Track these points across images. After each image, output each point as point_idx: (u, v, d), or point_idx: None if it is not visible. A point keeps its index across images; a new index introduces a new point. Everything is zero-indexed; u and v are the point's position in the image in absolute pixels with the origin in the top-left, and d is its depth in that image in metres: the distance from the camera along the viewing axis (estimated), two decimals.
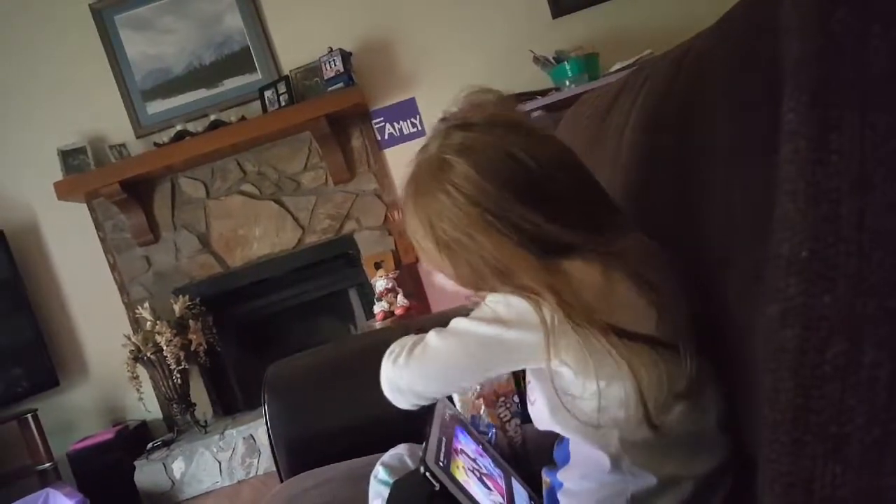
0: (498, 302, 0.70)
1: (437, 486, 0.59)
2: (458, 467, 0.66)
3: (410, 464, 0.92)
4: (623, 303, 0.67)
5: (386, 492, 0.86)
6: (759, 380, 0.48)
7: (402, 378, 0.77)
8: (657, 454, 0.67)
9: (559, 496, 0.72)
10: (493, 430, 0.90)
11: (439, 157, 0.76)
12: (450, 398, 0.86)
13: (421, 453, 0.66)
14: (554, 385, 0.67)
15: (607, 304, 0.66)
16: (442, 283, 0.81)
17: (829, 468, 0.41)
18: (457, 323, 0.73)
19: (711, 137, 0.67)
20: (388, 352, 0.81)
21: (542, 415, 0.72)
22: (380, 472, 0.93)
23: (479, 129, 0.76)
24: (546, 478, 0.76)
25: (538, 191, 0.71)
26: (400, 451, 0.97)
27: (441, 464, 0.62)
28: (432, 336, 0.74)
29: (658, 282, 0.68)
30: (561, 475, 0.73)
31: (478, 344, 0.70)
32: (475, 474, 0.68)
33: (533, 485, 0.79)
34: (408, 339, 0.79)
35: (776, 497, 0.44)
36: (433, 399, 0.78)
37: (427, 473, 0.60)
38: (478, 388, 0.92)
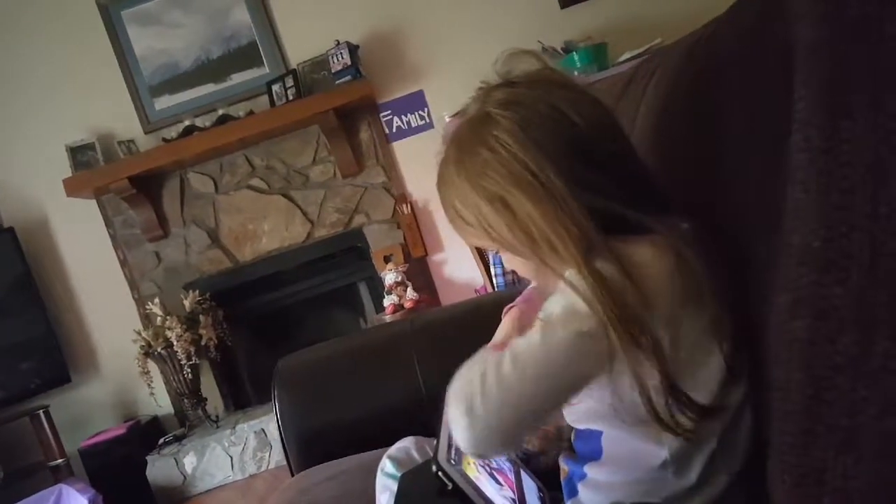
0: (556, 303, 0.64)
1: (450, 486, 0.59)
2: (468, 463, 0.65)
3: (417, 457, 0.92)
4: (688, 297, 0.63)
5: (393, 485, 0.86)
6: (771, 370, 0.47)
7: (489, 427, 0.61)
8: (705, 450, 0.66)
9: (580, 486, 0.72)
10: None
11: (482, 112, 0.71)
12: None
13: (433, 451, 0.66)
14: (617, 388, 0.62)
15: (670, 297, 0.62)
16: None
17: (840, 459, 0.41)
18: (519, 345, 0.63)
19: (723, 127, 0.66)
20: (453, 407, 0.63)
21: (586, 414, 0.70)
22: (387, 465, 0.92)
23: (523, 86, 0.71)
24: (564, 466, 0.76)
25: (586, 155, 0.66)
26: (406, 444, 0.96)
27: (453, 461, 0.62)
28: (503, 367, 0.62)
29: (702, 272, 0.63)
30: (589, 468, 0.71)
31: (563, 350, 0.61)
32: (486, 469, 0.67)
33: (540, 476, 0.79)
34: (468, 386, 0.63)
35: (788, 488, 0.44)
36: (527, 434, 0.71)
37: (440, 472, 0.59)
38: None
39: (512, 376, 0.61)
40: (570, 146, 0.66)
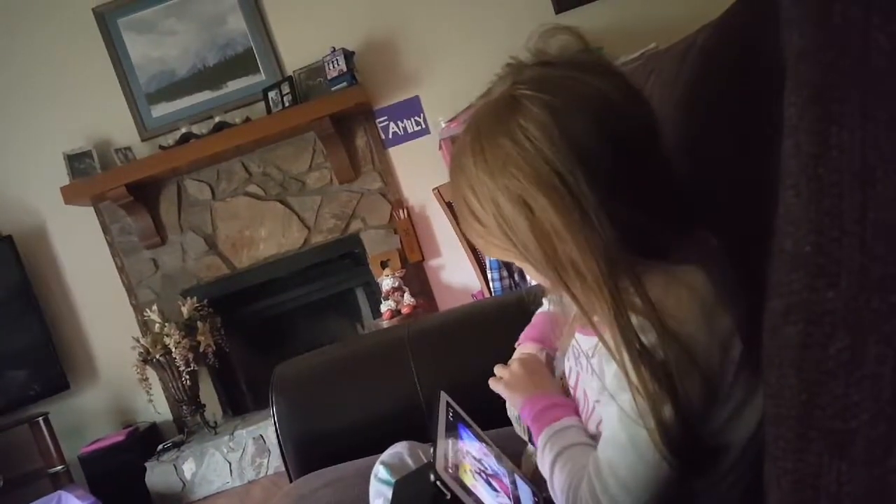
0: (620, 386, 0.58)
1: (449, 496, 0.59)
2: (465, 471, 0.65)
3: (410, 462, 0.90)
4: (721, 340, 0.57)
5: (387, 491, 0.85)
6: (764, 376, 0.47)
7: None
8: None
9: None
10: None
11: (509, 94, 0.60)
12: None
13: (428, 458, 0.66)
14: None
15: (707, 355, 0.56)
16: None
17: (835, 464, 0.41)
18: (609, 454, 0.60)
19: (715, 132, 0.66)
20: None
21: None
22: (380, 471, 0.90)
23: (560, 67, 0.61)
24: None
25: (628, 158, 0.57)
26: (399, 449, 0.94)
27: (450, 470, 0.62)
28: (610, 489, 0.59)
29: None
30: None
31: (652, 446, 0.57)
32: (482, 476, 0.67)
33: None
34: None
35: (783, 494, 0.44)
36: None
37: (438, 482, 0.59)
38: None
39: (622, 496, 0.59)
40: (610, 146, 0.57)
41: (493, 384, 0.82)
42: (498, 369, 0.83)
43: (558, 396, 0.75)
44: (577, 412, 0.72)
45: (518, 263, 0.68)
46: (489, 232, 0.64)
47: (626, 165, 0.57)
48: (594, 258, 0.56)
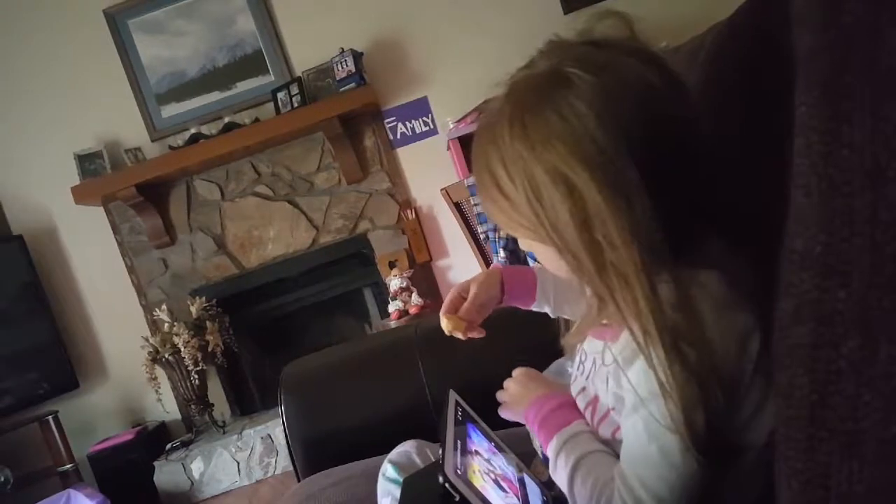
0: (651, 393, 0.56)
1: (457, 498, 0.59)
2: (474, 472, 0.65)
3: (418, 461, 0.90)
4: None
5: (395, 489, 0.85)
6: (774, 376, 0.47)
7: None
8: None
9: None
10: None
11: (557, 70, 0.58)
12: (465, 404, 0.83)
13: (437, 459, 0.65)
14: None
15: (739, 375, 0.56)
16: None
17: (845, 465, 0.40)
18: (638, 467, 0.59)
19: (726, 131, 0.66)
20: None
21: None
22: (388, 469, 0.90)
23: (607, 50, 0.59)
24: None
25: (673, 150, 0.56)
26: (407, 447, 0.94)
27: (459, 472, 0.62)
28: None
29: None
30: None
31: (685, 457, 0.56)
32: (490, 476, 0.67)
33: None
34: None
35: (793, 494, 0.44)
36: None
37: (447, 485, 0.59)
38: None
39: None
40: (653, 133, 0.55)
41: (502, 413, 0.80)
42: (500, 396, 0.81)
43: (563, 395, 0.73)
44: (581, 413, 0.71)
45: (535, 247, 0.65)
46: (514, 207, 0.61)
47: (666, 155, 0.56)
48: (635, 245, 0.54)
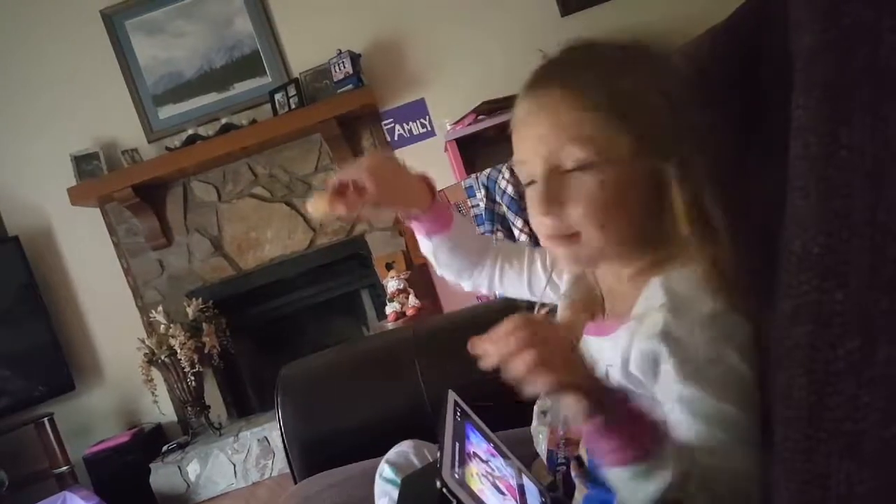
0: (713, 363, 0.56)
1: (454, 502, 0.58)
2: (472, 475, 0.65)
3: (416, 461, 0.90)
4: None
5: (392, 490, 0.85)
6: (773, 377, 0.47)
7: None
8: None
9: None
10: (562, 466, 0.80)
11: (637, 42, 0.68)
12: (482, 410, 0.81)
13: (434, 461, 0.65)
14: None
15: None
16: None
17: (844, 465, 0.40)
18: (706, 441, 0.55)
19: (725, 132, 0.66)
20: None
21: None
22: (385, 470, 0.91)
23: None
24: (584, 488, 0.71)
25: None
26: (404, 448, 0.94)
27: (456, 475, 0.62)
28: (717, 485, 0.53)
29: None
30: None
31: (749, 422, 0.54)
32: (489, 479, 0.67)
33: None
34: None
35: (792, 495, 0.44)
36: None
37: (444, 489, 0.59)
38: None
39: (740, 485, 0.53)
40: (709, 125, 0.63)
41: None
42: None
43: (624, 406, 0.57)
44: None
45: (597, 162, 0.63)
46: (595, 119, 0.62)
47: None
48: (706, 171, 0.60)
